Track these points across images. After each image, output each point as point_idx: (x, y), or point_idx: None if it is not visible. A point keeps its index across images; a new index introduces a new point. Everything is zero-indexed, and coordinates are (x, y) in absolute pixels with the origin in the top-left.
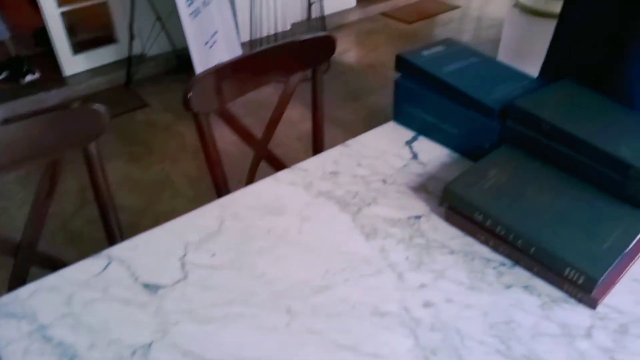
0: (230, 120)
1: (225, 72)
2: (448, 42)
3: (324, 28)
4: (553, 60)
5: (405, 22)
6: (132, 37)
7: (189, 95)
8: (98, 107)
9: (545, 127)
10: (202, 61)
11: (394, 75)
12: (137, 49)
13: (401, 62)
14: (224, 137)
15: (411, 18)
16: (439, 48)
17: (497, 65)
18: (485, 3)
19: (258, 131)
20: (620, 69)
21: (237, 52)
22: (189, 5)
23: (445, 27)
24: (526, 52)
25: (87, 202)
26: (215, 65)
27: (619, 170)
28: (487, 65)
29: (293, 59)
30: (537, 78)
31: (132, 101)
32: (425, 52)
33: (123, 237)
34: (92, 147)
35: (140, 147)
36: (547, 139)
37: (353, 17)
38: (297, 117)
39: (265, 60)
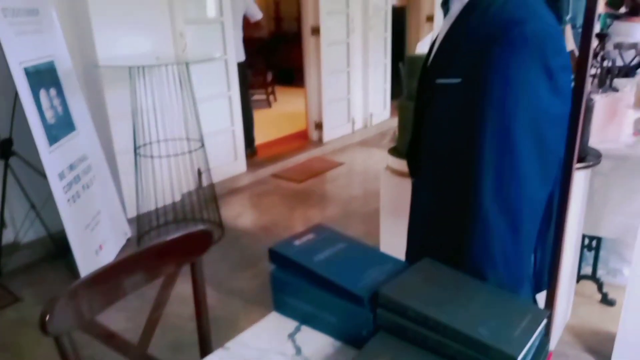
0: (99, 333)
1: (87, 286)
2: (318, 229)
3: (214, 196)
4: (413, 241)
5: (296, 182)
6: (2, 226)
7: (46, 319)
8: None
9: (411, 314)
10: (83, 245)
11: (289, 235)
12: (9, 237)
13: (274, 255)
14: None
15: (301, 177)
16: (310, 236)
17: (364, 249)
18: (367, 159)
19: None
20: (468, 243)
21: (123, 229)
22: (67, 191)
23: (333, 183)
24: (401, 210)
25: None
26: (76, 281)
27: (482, 352)
28: (354, 250)
29: (165, 258)
30: (403, 260)
31: (0, 298)
32: (297, 242)
33: None
34: None
35: (7, 353)
36: (414, 325)
37: (245, 181)
38: (189, 293)
39: (133, 266)
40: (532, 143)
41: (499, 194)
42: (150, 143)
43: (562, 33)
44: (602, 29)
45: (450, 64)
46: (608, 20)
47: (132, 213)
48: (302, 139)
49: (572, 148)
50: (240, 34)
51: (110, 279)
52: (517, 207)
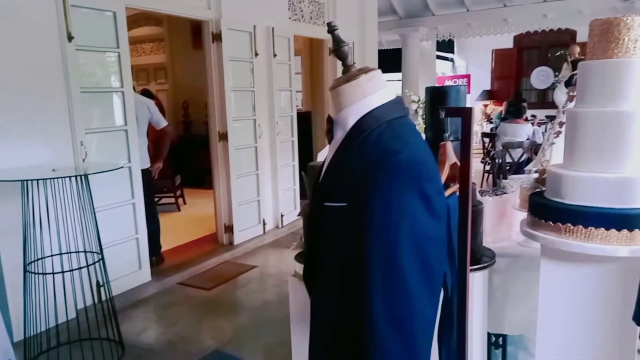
0: None
1: None
2: (216, 355)
3: (114, 311)
4: None
5: (205, 289)
6: None
7: None
8: None
9: None
10: None
11: (197, 350)
12: None
13: None
14: None
15: (210, 284)
16: None
17: None
18: (280, 260)
19: None
20: None
21: (8, 356)
22: None
23: (245, 288)
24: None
25: None
26: None
27: None
28: None
29: None
30: None
31: None
32: None
33: None
34: None
35: None
36: None
37: (149, 291)
38: None
39: None
40: (417, 264)
41: (391, 316)
42: (44, 258)
43: (434, 161)
44: (492, 130)
45: (336, 188)
46: (496, 122)
47: (19, 336)
48: (212, 243)
49: (465, 251)
50: (145, 141)
51: None
52: (410, 326)
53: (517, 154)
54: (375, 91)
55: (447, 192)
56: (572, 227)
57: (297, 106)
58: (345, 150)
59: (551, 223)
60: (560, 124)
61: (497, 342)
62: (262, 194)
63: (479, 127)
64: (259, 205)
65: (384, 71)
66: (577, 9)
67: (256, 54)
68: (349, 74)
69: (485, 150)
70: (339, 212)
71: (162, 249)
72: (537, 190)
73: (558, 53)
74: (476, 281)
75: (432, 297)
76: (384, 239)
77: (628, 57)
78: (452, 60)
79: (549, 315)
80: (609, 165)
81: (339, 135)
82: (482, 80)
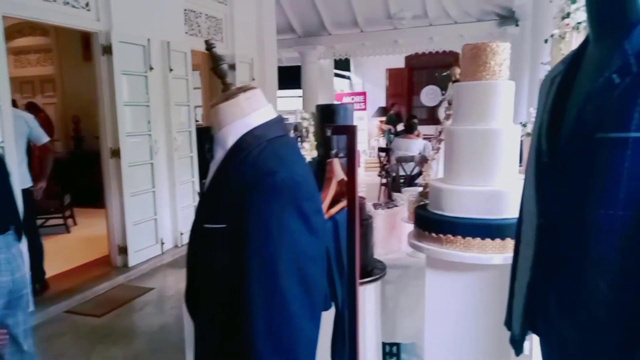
0: None
1: None
2: None
3: None
4: None
5: (95, 316)
6: None
7: None
8: None
9: None
10: None
11: None
12: None
13: None
14: None
15: (101, 310)
16: None
17: None
18: (179, 281)
19: None
20: None
21: None
22: None
23: (141, 312)
24: None
25: None
26: None
27: None
28: None
29: None
30: None
31: None
32: None
33: None
34: None
35: None
36: None
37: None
38: None
39: None
40: (297, 283)
41: (271, 336)
42: None
43: (313, 180)
44: (386, 145)
45: (215, 209)
46: (391, 137)
47: None
48: (104, 266)
49: (353, 265)
50: (24, 159)
51: None
52: (291, 345)
53: (410, 167)
54: (255, 110)
55: (336, 208)
56: (452, 237)
57: (197, 121)
58: (224, 169)
59: (434, 234)
60: (439, 141)
61: (391, 352)
62: (159, 212)
63: (375, 142)
64: (156, 224)
65: (285, 87)
66: (458, 33)
67: (151, 68)
68: (228, 92)
69: (381, 164)
70: (218, 234)
71: (47, 275)
72: (422, 203)
73: (444, 73)
74: (369, 293)
75: (314, 314)
76: (263, 259)
77: (494, 80)
78: (349, 78)
79: (435, 322)
80: (480, 179)
81: (220, 154)
82: (378, 97)
